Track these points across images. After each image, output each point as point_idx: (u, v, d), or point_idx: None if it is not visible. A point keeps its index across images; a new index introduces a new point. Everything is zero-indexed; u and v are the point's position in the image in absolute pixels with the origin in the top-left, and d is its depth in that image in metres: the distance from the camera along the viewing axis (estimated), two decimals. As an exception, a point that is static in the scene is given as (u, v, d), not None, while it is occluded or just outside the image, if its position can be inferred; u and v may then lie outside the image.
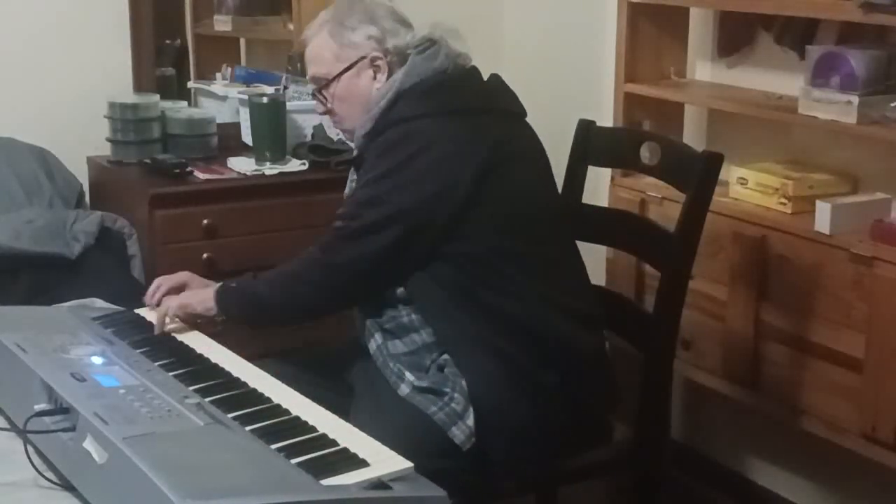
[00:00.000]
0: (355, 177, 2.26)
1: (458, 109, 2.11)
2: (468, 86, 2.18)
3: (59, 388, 1.70)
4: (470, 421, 2.03)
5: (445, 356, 2.09)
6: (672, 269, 2.25)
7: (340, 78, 2.19)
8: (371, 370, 2.16)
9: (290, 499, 1.42)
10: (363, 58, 2.18)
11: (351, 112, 2.21)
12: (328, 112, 2.27)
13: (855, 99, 2.41)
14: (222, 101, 3.42)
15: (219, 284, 2.22)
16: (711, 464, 3.20)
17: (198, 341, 2.09)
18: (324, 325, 2.33)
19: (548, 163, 2.25)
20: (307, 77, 2.33)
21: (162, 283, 2.28)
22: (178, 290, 2.25)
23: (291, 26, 3.67)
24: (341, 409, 1.82)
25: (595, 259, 2.31)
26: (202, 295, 2.19)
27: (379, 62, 2.19)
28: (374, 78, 2.19)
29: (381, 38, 2.19)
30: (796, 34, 2.77)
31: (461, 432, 2.02)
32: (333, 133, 3.25)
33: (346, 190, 2.32)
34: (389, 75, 2.18)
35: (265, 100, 3.16)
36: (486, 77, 2.22)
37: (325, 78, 2.21)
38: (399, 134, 2.09)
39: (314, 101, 2.31)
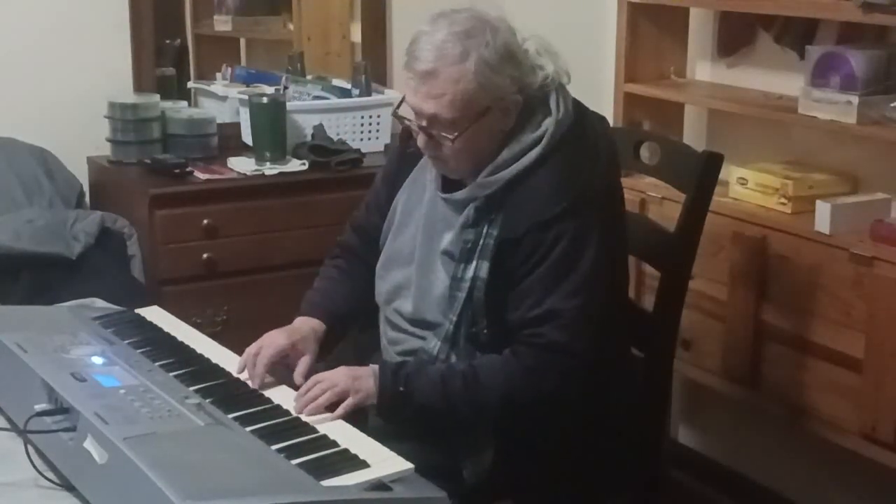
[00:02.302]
0: (459, 221, 1.99)
1: (609, 194, 2.01)
2: (603, 151, 2.03)
3: (60, 388, 1.70)
4: (486, 460, 1.96)
5: None
6: (672, 269, 2.25)
7: (477, 123, 1.92)
8: None
9: (291, 499, 1.42)
10: (500, 100, 1.93)
11: (469, 157, 1.96)
12: (432, 148, 1.97)
13: (855, 99, 2.42)
14: (222, 101, 3.42)
15: (380, 376, 1.91)
16: (711, 464, 3.20)
17: (198, 341, 2.09)
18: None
19: None
20: (423, 111, 1.92)
21: (259, 358, 1.95)
22: (281, 357, 1.99)
23: (291, 26, 3.67)
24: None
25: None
26: (367, 389, 1.89)
27: (513, 106, 1.96)
28: (502, 121, 1.96)
29: (519, 79, 1.94)
30: (796, 34, 2.77)
31: (472, 467, 1.97)
32: (333, 133, 3.25)
33: (454, 234, 2.00)
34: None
35: (265, 100, 3.15)
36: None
37: (453, 125, 1.91)
38: (577, 231, 1.92)
39: (420, 137, 1.97)
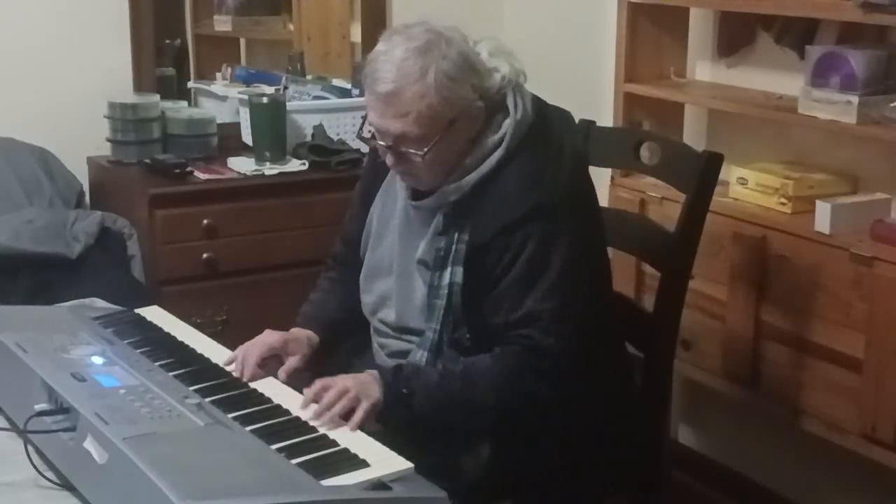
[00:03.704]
0: (430, 229, 2.00)
1: (575, 192, 1.99)
2: (567, 149, 2.00)
3: (60, 388, 1.70)
4: (483, 454, 1.97)
5: None
6: (672, 269, 2.25)
7: (445, 135, 1.91)
8: None
9: (291, 499, 1.42)
10: (465, 109, 1.92)
11: (440, 168, 1.95)
12: (402, 165, 1.96)
13: (855, 99, 2.42)
14: (222, 101, 3.42)
15: (382, 380, 1.90)
16: (711, 464, 3.20)
17: (198, 341, 2.09)
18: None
19: None
20: (390, 131, 1.91)
21: (248, 353, 1.97)
22: (270, 357, 2.00)
23: (291, 26, 3.67)
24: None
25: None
26: (374, 393, 1.87)
27: (479, 113, 1.94)
28: (469, 128, 1.95)
29: (480, 86, 1.93)
30: (796, 34, 2.77)
31: (471, 461, 1.97)
32: (333, 133, 3.25)
33: (426, 243, 2.01)
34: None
35: (265, 100, 3.16)
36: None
37: (422, 140, 1.89)
38: (544, 232, 1.91)
39: (388, 157, 1.95)
